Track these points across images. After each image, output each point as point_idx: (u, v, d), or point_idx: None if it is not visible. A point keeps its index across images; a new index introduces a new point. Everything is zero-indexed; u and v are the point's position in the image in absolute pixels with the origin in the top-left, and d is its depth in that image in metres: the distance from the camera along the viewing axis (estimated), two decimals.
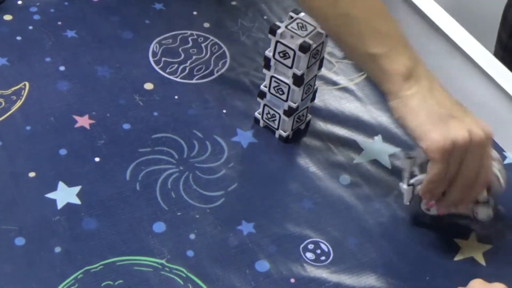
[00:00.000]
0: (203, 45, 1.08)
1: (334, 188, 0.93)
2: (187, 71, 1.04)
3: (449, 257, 0.88)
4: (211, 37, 1.09)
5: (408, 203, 0.90)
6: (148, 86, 1.01)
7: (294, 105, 0.94)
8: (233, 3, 1.15)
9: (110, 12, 1.10)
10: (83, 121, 0.96)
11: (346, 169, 0.96)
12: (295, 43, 0.89)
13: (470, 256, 0.88)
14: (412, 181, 0.88)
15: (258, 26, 1.12)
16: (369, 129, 1.01)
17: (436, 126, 0.80)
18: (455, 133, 0.80)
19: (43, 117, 0.95)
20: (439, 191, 0.85)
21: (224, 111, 1.00)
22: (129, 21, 1.09)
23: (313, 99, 0.98)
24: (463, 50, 1.03)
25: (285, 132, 0.97)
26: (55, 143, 0.93)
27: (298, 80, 0.91)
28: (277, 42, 0.90)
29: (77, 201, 0.88)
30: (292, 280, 0.84)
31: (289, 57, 0.90)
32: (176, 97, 1.01)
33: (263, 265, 0.85)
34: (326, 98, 1.04)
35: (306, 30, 0.90)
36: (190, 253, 0.85)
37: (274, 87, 0.94)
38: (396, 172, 0.96)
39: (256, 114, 0.99)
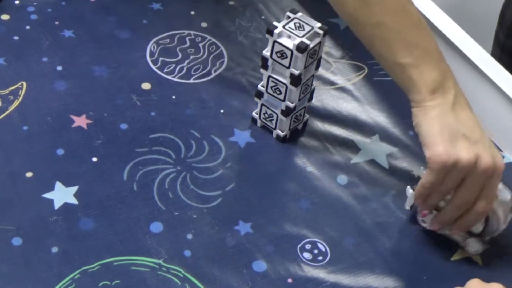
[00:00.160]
0: (200, 45, 1.08)
1: (332, 188, 0.93)
2: (184, 71, 1.04)
3: (446, 257, 0.88)
4: (209, 37, 1.09)
5: (408, 208, 0.91)
6: (146, 86, 1.01)
7: (291, 105, 0.94)
8: (231, 3, 1.15)
9: (107, 12, 1.10)
10: (81, 121, 0.96)
11: (343, 169, 0.96)
12: (292, 43, 0.89)
13: (467, 256, 0.88)
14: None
15: (255, 26, 1.12)
16: (366, 129, 1.01)
17: (446, 141, 0.81)
18: (461, 153, 0.81)
19: (40, 117, 0.95)
20: (432, 202, 0.85)
21: (222, 111, 1.00)
22: (126, 21, 1.09)
23: (310, 99, 0.98)
24: (460, 50, 1.03)
25: (282, 132, 0.97)
26: (52, 143, 0.93)
27: (295, 80, 0.91)
28: (274, 42, 0.90)
29: (74, 201, 0.88)
30: (290, 280, 0.84)
31: (287, 57, 0.90)
32: (173, 97, 1.01)
33: (260, 265, 0.85)
34: (324, 98, 1.04)
35: (304, 30, 0.90)
36: (187, 253, 0.85)
37: (271, 87, 0.94)
38: (393, 172, 0.96)
39: (254, 114, 0.99)
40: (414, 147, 0.98)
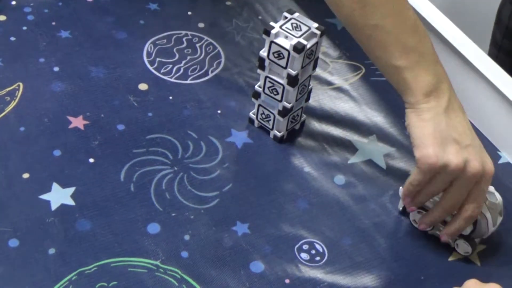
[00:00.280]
0: (197, 45, 1.08)
1: (329, 188, 0.93)
2: (181, 71, 1.04)
3: (443, 257, 0.88)
4: (206, 37, 1.09)
5: (400, 209, 0.91)
6: (143, 86, 1.01)
7: (288, 106, 0.94)
8: (228, 3, 1.15)
9: (104, 13, 1.10)
10: (77, 122, 0.96)
11: (340, 169, 0.96)
12: (289, 44, 0.89)
13: (464, 257, 0.88)
14: None
15: (252, 26, 1.12)
16: (363, 129, 1.01)
17: (436, 144, 0.82)
18: (450, 157, 0.82)
19: (37, 118, 0.95)
20: (419, 201, 0.86)
21: (219, 111, 1.00)
22: (123, 21, 1.09)
23: (307, 99, 0.98)
24: (457, 50, 1.03)
25: (279, 132, 0.97)
26: (49, 144, 0.93)
27: (292, 81, 0.91)
28: (271, 42, 0.90)
29: (71, 202, 0.88)
30: (287, 281, 0.84)
31: (284, 57, 0.90)
32: (170, 97, 1.00)
33: (257, 266, 0.85)
34: (321, 98, 1.04)
35: (301, 30, 0.90)
36: (184, 254, 0.85)
37: (268, 88, 0.94)
38: (391, 172, 0.96)
39: (251, 114, 0.99)
40: (411, 147, 0.98)
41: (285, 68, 0.91)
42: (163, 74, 1.03)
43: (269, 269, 0.85)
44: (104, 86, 1.00)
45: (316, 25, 0.91)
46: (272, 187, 0.93)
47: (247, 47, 1.08)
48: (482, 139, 0.90)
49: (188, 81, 1.03)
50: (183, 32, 1.09)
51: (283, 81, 0.92)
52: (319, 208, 0.91)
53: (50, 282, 0.80)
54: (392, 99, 1.02)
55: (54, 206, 0.87)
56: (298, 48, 0.88)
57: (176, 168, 0.92)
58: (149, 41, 1.07)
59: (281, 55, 0.90)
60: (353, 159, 0.97)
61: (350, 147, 0.98)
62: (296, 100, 0.94)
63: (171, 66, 1.04)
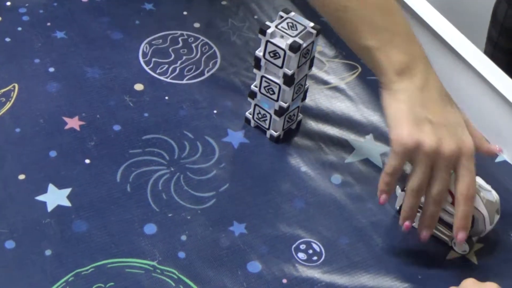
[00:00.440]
0: (193, 45, 1.07)
1: (326, 187, 0.93)
2: (177, 71, 1.04)
3: (441, 256, 0.88)
4: (202, 37, 1.08)
5: (397, 207, 0.91)
6: (138, 87, 1.01)
7: (284, 105, 0.94)
8: (224, 3, 1.14)
9: (99, 13, 1.09)
10: (73, 123, 0.95)
11: (337, 169, 0.95)
12: (285, 43, 0.89)
13: (462, 256, 0.88)
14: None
15: (248, 25, 1.11)
16: (360, 128, 1.00)
17: (409, 124, 0.81)
18: (423, 137, 0.81)
19: (33, 119, 0.95)
20: (410, 206, 0.84)
21: (215, 111, 1.00)
22: (118, 21, 1.09)
23: (304, 98, 0.98)
24: (453, 47, 1.03)
25: (276, 132, 0.97)
26: (44, 145, 0.92)
27: (288, 80, 0.91)
28: (267, 42, 0.90)
29: (67, 203, 0.87)
30: (284, 281, 0.84)
31: (279, 56, 0.90)
32: (166, 97, 1.00)
33: (255, 266, 0.85)
34: (317, 97, 1.03)
35: (296, 29, 0.90)
36: (181, 254, 0.85)
37: (264, 87, 0.94)
38: None
39: (247, 114, 0.99)
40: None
41: (281, 67, 0.90)
42: (159, 74, 1.03)
43: (266, 269, 0.85)
44: (99, 87, 1.00)
45: (312, 24, 0.91)
46: (268, 187, 0.93)
47: (243, 47, 1.08)
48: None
49: (184, 81, 1.03)
50: (179, 32, 1.09)
51: (279, 81, 0.92)
52: (316, 208, 0.91)
53: (46, 283, 0.80)
54: None
55: (50, 207, 0.87)
56: (294, 48, 0.88)
57: (172, 169, 0.92)
58: (145, 41, 1.07)
59: (277, 54, 0.90)
60: (350, 159, 0.97)
61: (346, 146, 0.98)
62: (292, 100, 0.94)
63: (166, 66, 1.04)
